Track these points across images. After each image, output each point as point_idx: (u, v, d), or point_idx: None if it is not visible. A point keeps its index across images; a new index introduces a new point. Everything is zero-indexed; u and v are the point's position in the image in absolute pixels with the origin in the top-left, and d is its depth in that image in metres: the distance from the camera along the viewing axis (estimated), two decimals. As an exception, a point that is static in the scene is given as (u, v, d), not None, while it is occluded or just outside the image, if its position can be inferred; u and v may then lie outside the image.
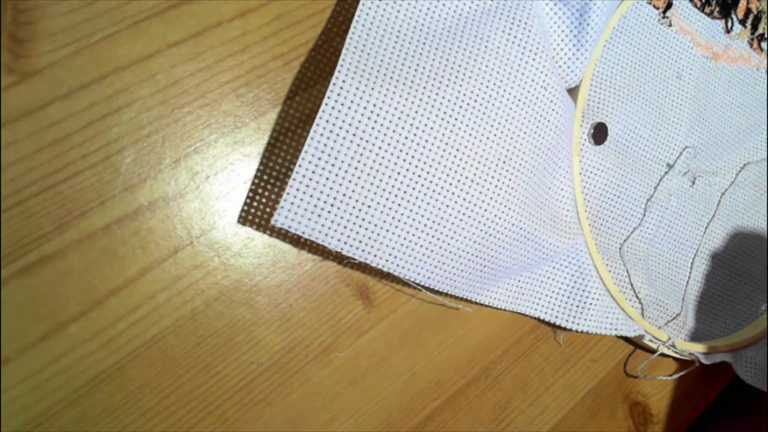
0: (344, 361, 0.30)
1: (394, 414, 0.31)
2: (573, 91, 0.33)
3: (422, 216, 0.27)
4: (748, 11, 0.40)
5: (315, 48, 0.29)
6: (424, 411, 0.32)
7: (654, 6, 0.37)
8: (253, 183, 0.28)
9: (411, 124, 0.26)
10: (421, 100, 0.27)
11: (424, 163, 0.27)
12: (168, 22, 0.26)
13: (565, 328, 0.35)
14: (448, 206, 0.28)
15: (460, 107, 0.27)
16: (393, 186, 0.26)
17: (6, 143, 0.24)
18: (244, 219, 0.28)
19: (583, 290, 0.33)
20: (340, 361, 0.30)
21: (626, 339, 0.38)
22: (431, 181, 0.27)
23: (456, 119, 0.27)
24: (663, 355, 0.38)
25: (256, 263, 0.28)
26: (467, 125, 0.28)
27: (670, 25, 0.37)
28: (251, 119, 0.28)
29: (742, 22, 0.40)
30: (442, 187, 0.27)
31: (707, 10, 0.39)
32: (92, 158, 0.25)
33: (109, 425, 0.26)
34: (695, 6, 0.38)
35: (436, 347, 0.33)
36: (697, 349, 0.38)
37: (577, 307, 0.33)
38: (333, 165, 0.25)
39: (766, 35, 0.41)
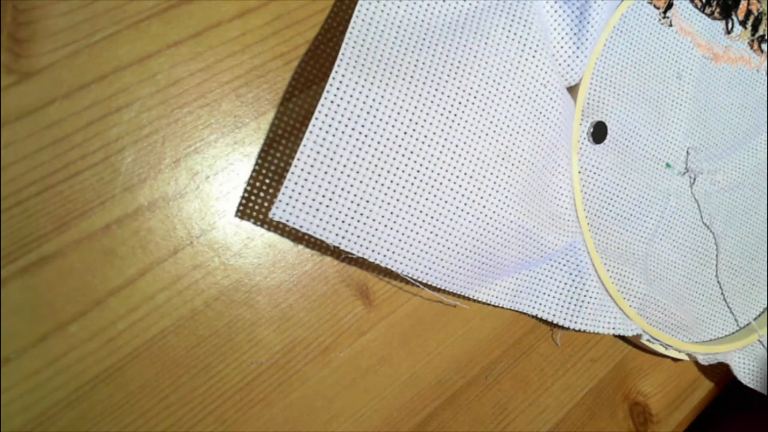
0: (344, 361, 0.30)
1: (394, 414, 0.31)
2: (573, 90, 0.33)
3: (420, 211, 0.27)
4: (748, 13, 0.40)
5: (315, 47, 0.29)
6: (424, 411, 0.32)
7: (654, 6, 0.37)
8: (251, 177, 0.28)
9: (410, 119, 0.26)
10: (420, 95, 0.26)
11: (423, 158, 0.27)
12: (168, 22, 0.26)
13: (563, 327, 0.35)
14: (446, 202, 0.28)
15: (460, 103, 0.27)
16: (391, 181, 0.26)
17: (6, 143, 0.24)
18: (242, 213, 0.28)
19: (581, 289, 0.33)
20: (340, 361, 0.30)
21: (624, 339, 0.38)
22: (430, 177, 0.27)
23: (455, 115, 0.27)
24: (662, 355, 0.38)
25: (256, 263, 0.28)
26: (466, 121, 0.28)
27: (671, 25, 0.37)
28: (251, 119, 0.28)
29: (743, 23, 0.40)
30: (440, 183, 0.27)
31: (708, 10, 0.39)
32: (92, 158, 0.25)
33: (109, 425, 0.26)
34: (696, 7, 0.38)
35: (436, 347, 0.33)
36: (695, 349, 0.38)
37: (575, 305, 0.33)
38: (332, 159, 0.25)
39: (766, 37, 0.41)
